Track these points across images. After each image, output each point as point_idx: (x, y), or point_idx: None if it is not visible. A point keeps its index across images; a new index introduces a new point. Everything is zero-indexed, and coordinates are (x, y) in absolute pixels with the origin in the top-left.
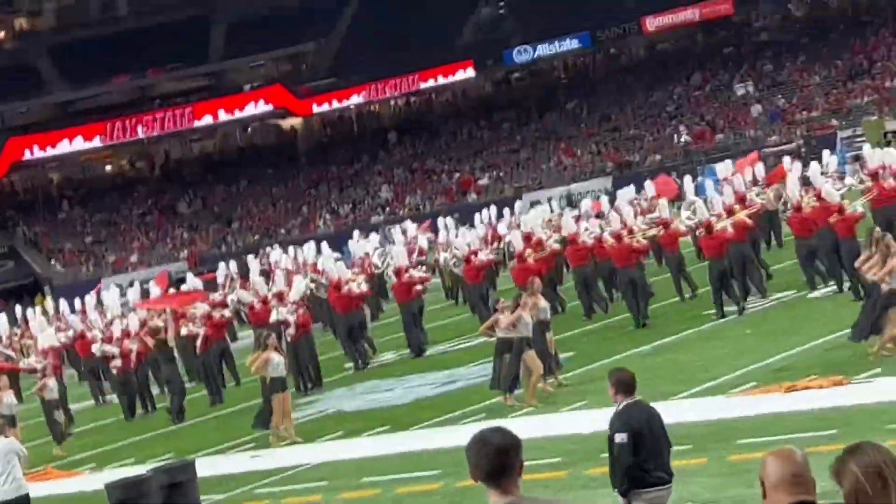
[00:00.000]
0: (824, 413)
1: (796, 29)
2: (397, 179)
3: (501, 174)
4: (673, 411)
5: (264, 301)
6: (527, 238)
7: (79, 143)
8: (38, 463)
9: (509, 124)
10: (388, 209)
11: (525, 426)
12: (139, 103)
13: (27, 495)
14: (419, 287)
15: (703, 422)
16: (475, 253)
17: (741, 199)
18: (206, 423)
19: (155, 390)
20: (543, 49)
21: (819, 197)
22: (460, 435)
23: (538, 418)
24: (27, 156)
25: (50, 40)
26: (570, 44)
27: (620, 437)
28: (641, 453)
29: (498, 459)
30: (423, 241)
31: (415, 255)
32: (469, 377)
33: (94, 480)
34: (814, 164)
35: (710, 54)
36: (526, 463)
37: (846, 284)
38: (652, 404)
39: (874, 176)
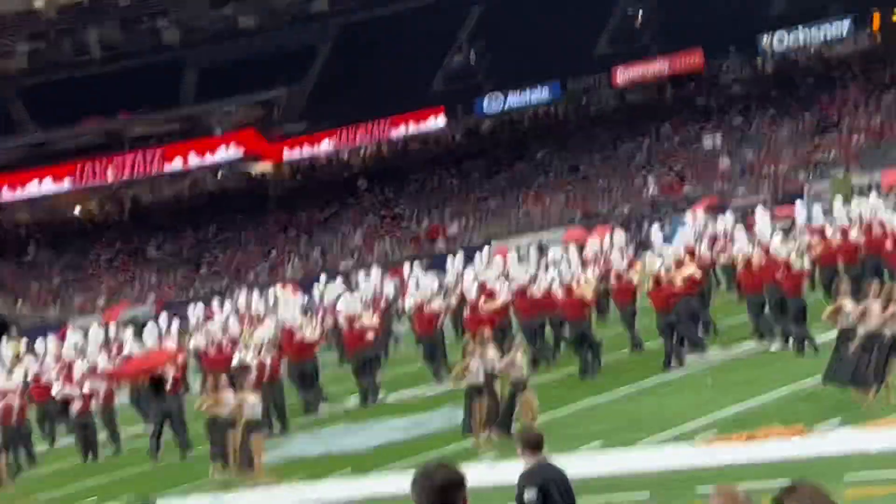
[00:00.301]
0: (784, 462)
1: (765, 83)
2: (367, 225)
3: (471, 222)
4: (634, 458)
5: (219, 347)
6: (481, 287)
7: (48, 185)
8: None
9: (479, 173)
10: (357, 255)
11: (488, 471)
12: (110, 146)
13: None
14: (370, 335)
15: (662, 469)
16: (426, 303)
17: (691, 252)
18: (169, 465)
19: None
20: (514, 98)
21: (767, 252)
22: None
23: (500, 464)
24: None
25: (21, 82)
26: (541, 93)
27: (529, 495)
28: None
29: (441, 495)
30: (389, 289)
31: (381, 303)
32: (434, 423)
33: None
34: (764, 218)
35: (680, 106)
36: None
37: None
38: (613, 451)
39: (821, 233)
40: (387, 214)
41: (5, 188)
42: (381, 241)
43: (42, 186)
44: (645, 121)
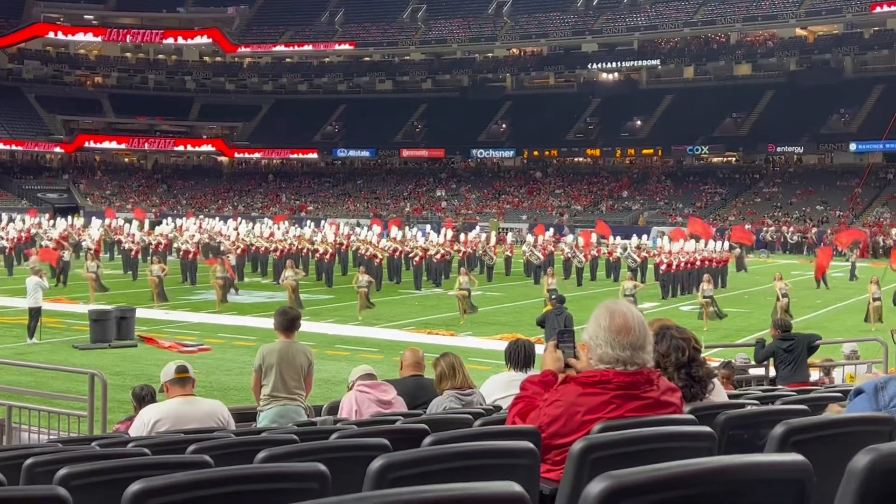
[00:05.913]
0: (441, 346)
1: (470, 173)
2: (272, 198)
3: (319, 206)
4: (383, 333)
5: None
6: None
7: (114, 145)
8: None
9: (329, 184)
10: (261, 211)
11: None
12: (149, 132)
13: (40, 308)
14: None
15: (392, 339)
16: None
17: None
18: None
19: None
20: (353, 152)
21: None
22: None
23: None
24: None
25: (110, 91)
26: (365, 153)
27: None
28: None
29: (289, 322)
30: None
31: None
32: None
33: (84, 308)
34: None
35: (434, 172)
36: None
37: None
38: (380, 328)
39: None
40: (278, 195)
41: (91, 142)
42: (273, 209)
43: (111, 145)
44: (417, 178)
